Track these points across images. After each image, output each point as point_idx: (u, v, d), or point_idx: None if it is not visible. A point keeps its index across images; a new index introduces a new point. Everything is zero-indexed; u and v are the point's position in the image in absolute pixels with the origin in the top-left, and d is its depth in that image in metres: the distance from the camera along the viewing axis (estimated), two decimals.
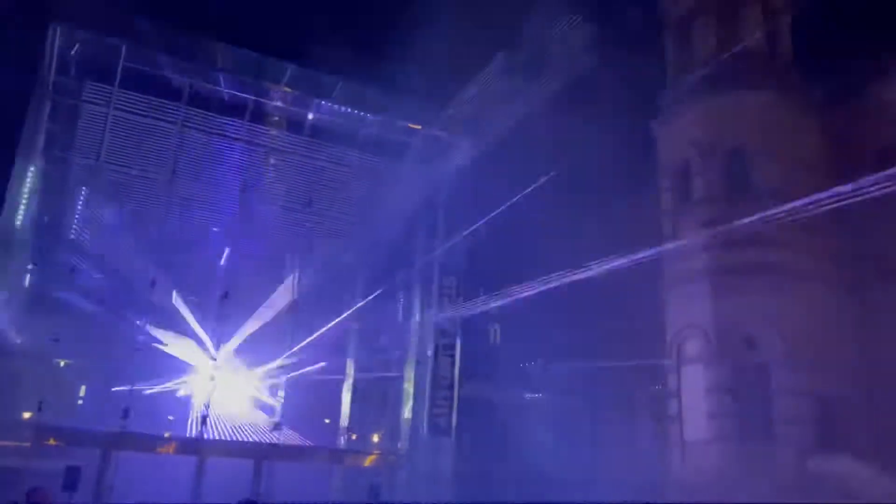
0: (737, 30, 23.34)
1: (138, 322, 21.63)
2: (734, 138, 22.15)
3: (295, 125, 24.91)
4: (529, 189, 20.59)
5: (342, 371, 25.58)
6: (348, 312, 24.36)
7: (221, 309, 22.95)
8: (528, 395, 30.98)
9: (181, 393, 23.04)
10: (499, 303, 22.50)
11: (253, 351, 23.82)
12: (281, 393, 24.60)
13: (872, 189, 12.54)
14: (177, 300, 22.57)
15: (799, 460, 18.68)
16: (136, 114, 22.12)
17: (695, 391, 21.23)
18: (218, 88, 23.18)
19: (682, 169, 23.48)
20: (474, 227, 23.12)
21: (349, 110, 24.60)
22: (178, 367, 22.76)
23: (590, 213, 23.55)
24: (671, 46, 25.41)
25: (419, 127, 25.05)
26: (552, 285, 22.52)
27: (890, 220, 18.30)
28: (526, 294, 21.27)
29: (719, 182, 22.25)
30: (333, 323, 23.79)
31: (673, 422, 21.81)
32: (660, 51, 25.59)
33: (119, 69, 21.47)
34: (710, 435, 20.15)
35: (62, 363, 23.84)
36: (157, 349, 21.90)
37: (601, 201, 24.45)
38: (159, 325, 22.04)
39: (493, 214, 22.19)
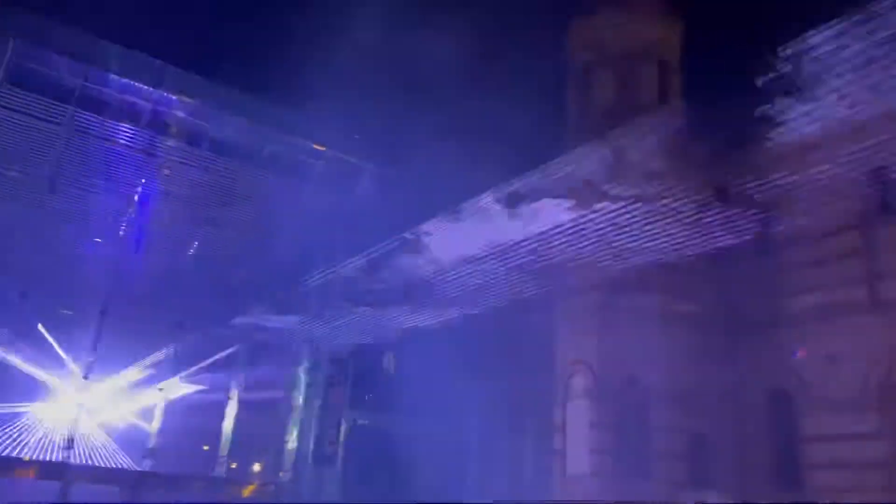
0: (633, 82, 24.82)
1: None
2: (624, 181, 23.24)
3: (194, 137, 24.07)
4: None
5: (226, 395, 24.61)
6: (235, 334, 23.56)
7: (100, 326, 21.62)
8: (420, 425, 30.84)
9: (36, 414, 21.41)
10: (394, 330, 22.39)
11: (130, 370, 22.57)
12: (158, 417, 23.34)
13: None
14: (48, 315, 21.12)
15: (671, 495, 19.50)
16: (21, 112, 20.78)
17: (579, 426, 21.85)
18: (113, 93, 22.16)
19: (582, 200, 24.35)
20: (375, 251, 23.00)
21: (253, 126, 24.06)
22: (36, 387, 21.20)
23: None
24: (572, 91, 26.54)
25: (324, 148, 24.85)
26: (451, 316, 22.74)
27: (757, 269, 19.81)
28: (423, 322, 21.33)
29: None
30: (219, 345, 22.94)
31: (557, 456, 22.32)
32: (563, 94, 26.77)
33: (5, 64, 20.20)
34: (590, 469, 20.73)
35: None
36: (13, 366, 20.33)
37: None
38: (20, 341, 20.47)
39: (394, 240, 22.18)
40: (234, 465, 24.50)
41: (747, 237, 18.70)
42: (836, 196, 19.37)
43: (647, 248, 18.81)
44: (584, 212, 21.39)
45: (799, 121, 18.59)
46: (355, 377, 24.25)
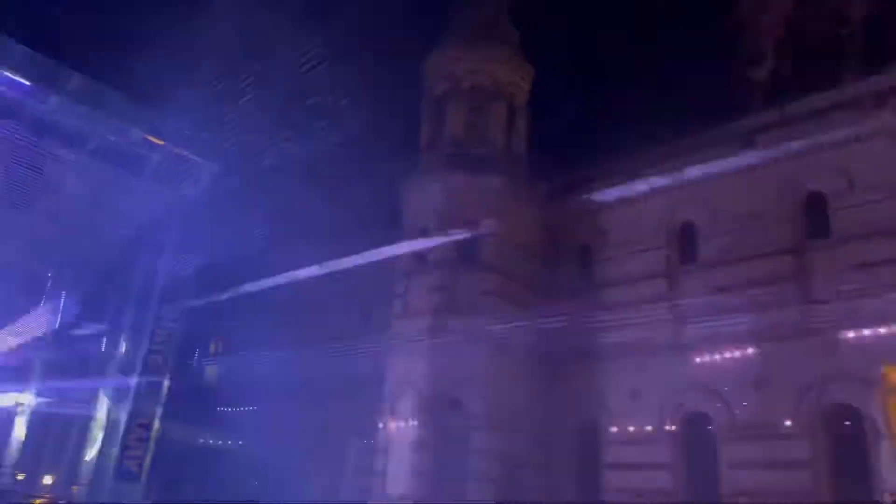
0: (483, 118, 25.90)
1: None
2: (467, 215, 24.07)
3: (17, 115, 21.76)
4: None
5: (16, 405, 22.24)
6: (36, 334, 21.41)
7: None
8: (238, 442, 29.62)
9: None
10: (217, 343, 21.43)
11: None
12: None
13: None
14: None
15: None
16: None
17: (402, 447, 21.98)
18: None
19: (421, 235, 24.79)
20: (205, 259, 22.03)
21: (85, 110, 22.18)
22: None
23: (330, 256, 23.62)
24: (427, 119, 27.15)
25: (162, 143, 23.47)
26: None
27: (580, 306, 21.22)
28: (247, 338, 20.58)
29: (451, 252, 23.75)
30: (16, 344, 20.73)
31: (377, 477, 22.28)
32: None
33: None
34: (408, 492, 20.87)
35: None
36: None
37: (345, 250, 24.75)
38: None
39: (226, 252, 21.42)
40: (20, 477, 22.06)
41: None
42: (645, 245, 21.35)
43: None
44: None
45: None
46: (171, 390, 22.77)
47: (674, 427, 20.79)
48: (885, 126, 17.77)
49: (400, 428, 22.36)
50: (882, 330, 16.89)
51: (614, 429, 21.81)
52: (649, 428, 20.98)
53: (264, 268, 22.99)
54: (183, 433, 25.80)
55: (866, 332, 17.15)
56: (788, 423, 18.33)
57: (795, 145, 19.38)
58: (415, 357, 22.29)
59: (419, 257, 24.34)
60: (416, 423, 21.85)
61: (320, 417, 27.00)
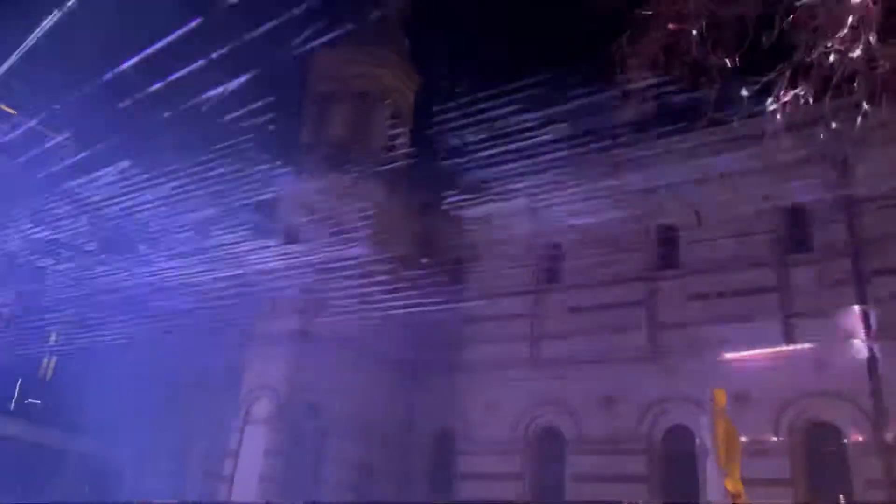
0: (366, 123, 25.80)
1: None
2: (342, 218, 23.82)
3: None
4: None
5: None
6: None
7: None
8: (76, 442, 27.43)
9: None
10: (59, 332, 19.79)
11: None
12: None
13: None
14: None
15: None
16: None
17: (254, 452, 21.23)
18: None
19: (293, 231, 24.23)
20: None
21: None
22: None
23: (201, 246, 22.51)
24: (310, 117, 26.66)
25: (14, 112, 21.57)
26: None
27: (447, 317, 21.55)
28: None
29: (323, 254, 23.35)
30: None
31: (224, 482, 21.38)
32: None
33: None
34: (256, 497, 20.17)
35: None
36: None
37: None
38: None
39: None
40: None
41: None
42: (515, 263, 22.12)
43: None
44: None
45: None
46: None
47: (527, 439, 21.52)
48: (727, 170, 19.59)
49: (253, 432, 21.61)
50: (716, 356, 18.43)
51: (470, 439, 22.27)
52: (504, 439, 21.60)
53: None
54: (14, 430, 23.57)
55: (703, 357, 18.62)
56: (631, 439, 19.52)
57: (654, 180, 20.86)
58: (275, 359, 21.65)
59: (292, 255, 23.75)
60: (270, 427, 21.20)
61: (172, 416, 25.65)
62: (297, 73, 26.37)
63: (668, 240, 21.51)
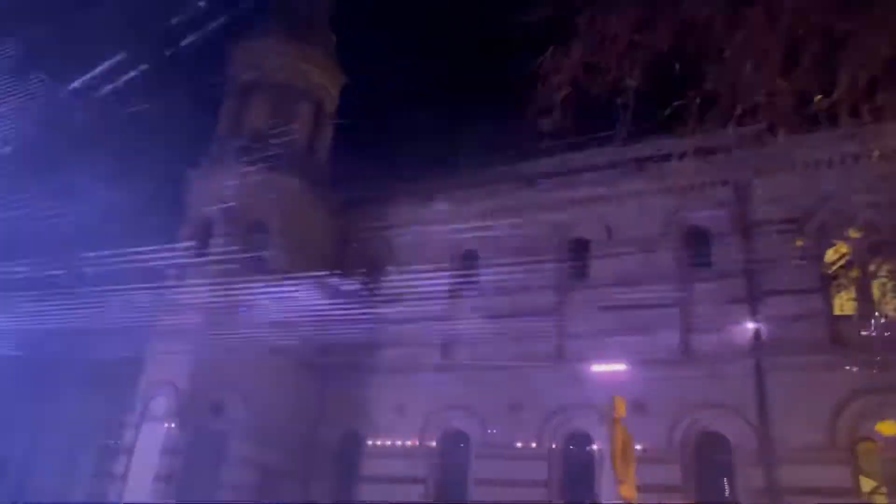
0: (288, 117, 25.26)
1: None
2: (258, 213, 23.28)
3: None
4: None
5: None
6: None
7: None
8: None
9: None
10: None
11: None
12: None
13: None
14: None
15: None
16: None
17: (150, 451, 20.38)
18: None
19: (205, 226, 23.45)
20: None
21: None
22: None
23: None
24: (228, 107, 25.87)
25: None
26: None
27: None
28: None
29: (235, 249, 22.71)
30: None
31: (116, 481, 20.42)
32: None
33: None
34: (150, 497, 19.38)
35: None
36: None
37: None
38: None
39: None
40: None
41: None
42: (430, 267, 22.22)
43: None
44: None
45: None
46: None
47: (433, 443, 21.63)
48: (636, 189, 20.49)
49: (151, 429, 20.74)
50: (618, 366, 19.18)
51: (377, 442, 22.18)
52: (410, 443, 21.63)
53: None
54: None
55: (605, 366, 19.32)
56: (534, 445, 19.96)
57: (568, 194, 21.54)
58: (177, 354, 20.85)
59: (200, 250, 22.99)
60: (170, 425, 20.41)
61: (61, 415, 24.38)
62: (213, 62, 25.57)
63: (579, 252, 22.17)
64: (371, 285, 23.28)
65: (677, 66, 7.93)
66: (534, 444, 19.96)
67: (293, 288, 19.97)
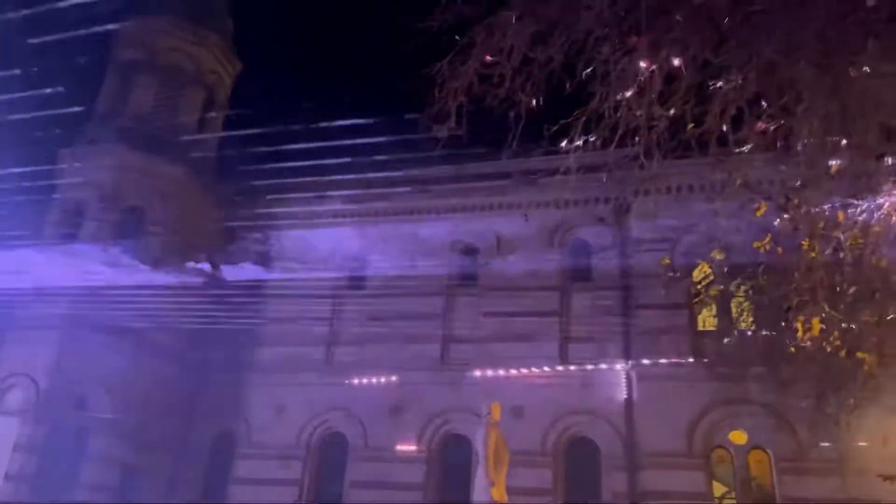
0: (175, 102, 24.14)
1: None
2: (137, 198, 22.12)
3: None
4: None
5: None
6: None
7: None
8: None
9: None
10: None
11: None
12: None
13: None
14: None
15: None
16: None
17: (2, 447, 18.81)
18: None
19: (76, 207, 22.02)
20: None
21: None
22: None
23: None
24: (111, 86, 24.41)
25: None
26: None
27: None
28: None
29: (111, 234, 21.49)
30: None
31: None
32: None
33: None
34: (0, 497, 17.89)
35: None
36: None
37: None
38: None
39: None
40: None
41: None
42: (316, 267, 21.90)
43: None
44: None
45: None
46: None
47: (311, 445, 21.27)
48: (524, 201, 21.15)
49: (3, 424, 19.14)
50: (500, 371, 19.68)
51: (251, 442, 21.57)
52: (287, 444, 21.16)
53: None
54: None
55: (487, 372, 19.77)
56: (413, 447, 20.06)
57: (460, 201, 21.91)
58: (40, 344, 19.36)
59: (69, 234, 21.54)
60: (24, 419, 18.90)
61: None
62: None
63: (468, 258, 22.56)
64: (254, 280, 22.63)
65: (568, 85, 8.24)
66: (412, 447, 20.06)
67: (165, 277, 19.09)
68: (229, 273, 21.15)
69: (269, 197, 22.63)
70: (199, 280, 20.56)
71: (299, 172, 23.16)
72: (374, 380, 20.90)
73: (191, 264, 20.68)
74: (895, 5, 6.15)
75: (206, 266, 21.14)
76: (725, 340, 17.99)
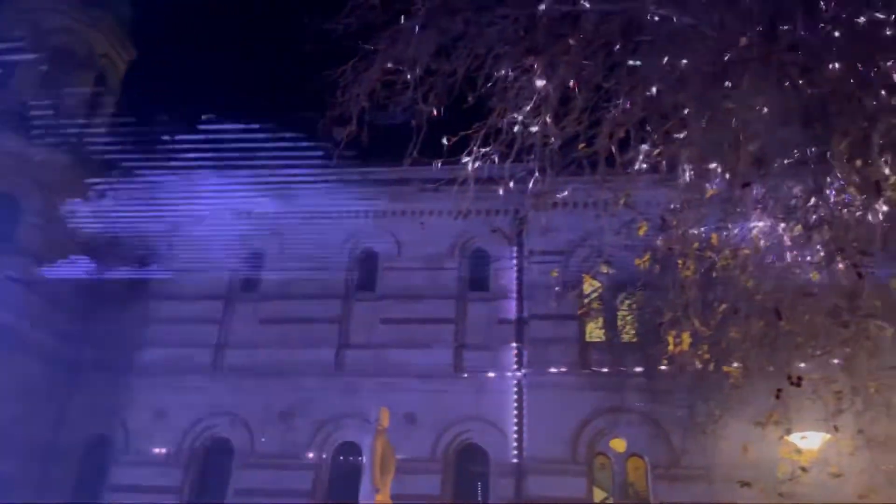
0: (63, 85, 22.69)
1: None
2: (9, 185, 20.70)
3: None
4: None
5: None
6: None
7: None
8: None
9: None
10: None
11: None
12: None
13: None
14: None
15: None
16: None
17: None
18: None
19: None
20: None
21: None
22: None
23: None
24: None
25: None
26: None
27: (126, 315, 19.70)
28: None
29: None
30: None
31: None
32: None
33: None
34: None
35: None
36: None
37: None
38: None
39: None
40: None
41: None
42: (209, 266, 21.17)
43: None
44: None
45: None
46: None
47: (194, 451, 20.45)
48: (425, 209, 21.31)
49: None
50: (395, 378, 19.66)
51: (130, 448, 20.47)
52: (169, 450, 20.25)
53: None
54: None
55: (383, 378, 19.70)
56: (303, 454, 19.66)
57: (362, 205, 21.78)
58: None
59: None
60: None
61: None
62: None
63: (368, 264, 22.44)
64: (143, 280, 21.60)
65: (469, 98, 8.40)
66: (303, 454, 19.68)
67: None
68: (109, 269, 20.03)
69: (159, 190, 21.64)
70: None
71: (195, 167, 22.31)
72: (266, 384, 20.36)
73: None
74: (766, 47, 6.68)
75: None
76: (610, 351, 18.81)
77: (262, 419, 20.14)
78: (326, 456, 19.94)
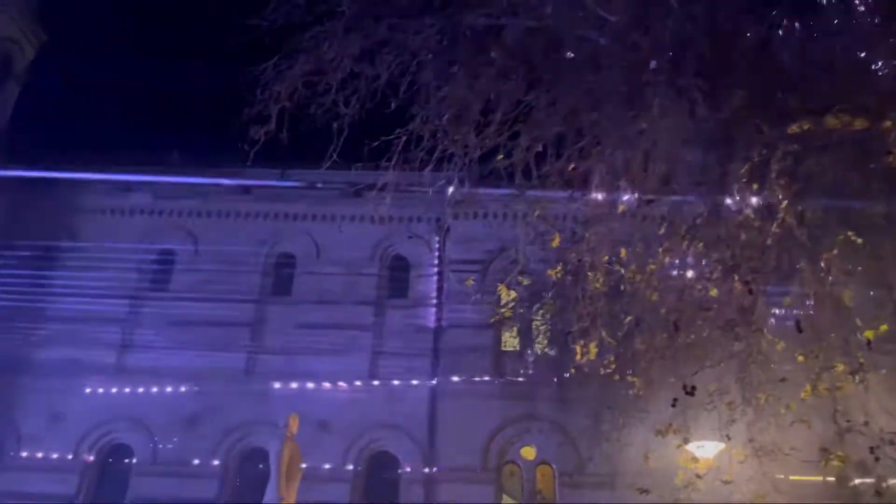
0: None
1: None
2: None
3: None
4: None
5: None
6: None
7: None
8: None
9: None
10: None
11: None
12: None
13: None
14: None
15: None
16: None
17: None
18: None
19: None
20: None
21: None
22: None
23: None
24: None
25: None
26: None
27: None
28: None
29: None
30: None
31: None
32: None
33: None
34: None
35: None
36: None
37: None
38: None
39: None
40: None
41: None
42: (121, 261, 20.26)
43: None
44: None
45: None
46: None
47: (91, 457, 19.46)
48: (345, 213, 21.14)
49: None
50: (309, 384, 19.36)
51: (19, 454, 19.26)
52: (64, 456, 19.19)
53: None
54: None
55: (294, 385, 19.36)
56: (208, 461, 19.02)
57: (281, 207, 21.38)
58: None
59: None
60: None
61: None
62: None
63: (285, 268, 22.03)
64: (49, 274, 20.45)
65: (392, 104, 8.41)
66: (208, 461, 19.04)
67: None
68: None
69: (70, 183, 20.59)
70: None
71: (108, 160, 21.38)
72: (172, 389, 19.62)
73: None
74: (675, 72, 7.01)
75: None
76: (523, 360, 19.13)
77: (165, 425, 19.39)
78: (233, 463, 19.38)
